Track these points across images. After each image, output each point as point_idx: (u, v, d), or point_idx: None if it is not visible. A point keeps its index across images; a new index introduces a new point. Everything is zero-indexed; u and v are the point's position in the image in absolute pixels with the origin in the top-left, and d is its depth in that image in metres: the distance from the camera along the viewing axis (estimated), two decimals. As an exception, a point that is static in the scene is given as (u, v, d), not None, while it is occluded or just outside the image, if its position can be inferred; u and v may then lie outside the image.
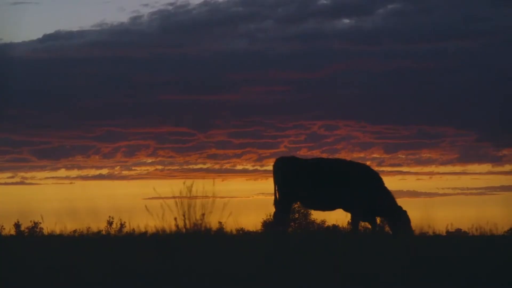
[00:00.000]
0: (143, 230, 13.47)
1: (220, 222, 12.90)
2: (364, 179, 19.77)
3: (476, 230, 14.72)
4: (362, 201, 19.53)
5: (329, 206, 19.89)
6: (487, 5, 51.65)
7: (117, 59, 52.89)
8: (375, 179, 19.97)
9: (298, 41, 52.92)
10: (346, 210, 19.74)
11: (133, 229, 14.28)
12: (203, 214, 12.24)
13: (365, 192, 19.64)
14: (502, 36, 51.35)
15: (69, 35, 53.17)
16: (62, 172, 51.88)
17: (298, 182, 19.68)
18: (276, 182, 19.85)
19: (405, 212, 19.78)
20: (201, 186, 12.52)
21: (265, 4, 55.17)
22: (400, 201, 20.44)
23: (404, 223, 19.55)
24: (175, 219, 12.23)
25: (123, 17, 79.41)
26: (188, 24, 53.61)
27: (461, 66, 51.61)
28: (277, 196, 19.78)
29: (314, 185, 19.62)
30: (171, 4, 59.99)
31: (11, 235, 18.27)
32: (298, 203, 20.13)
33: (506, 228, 16.50)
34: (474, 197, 50.16)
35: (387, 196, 19.90)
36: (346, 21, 54.04)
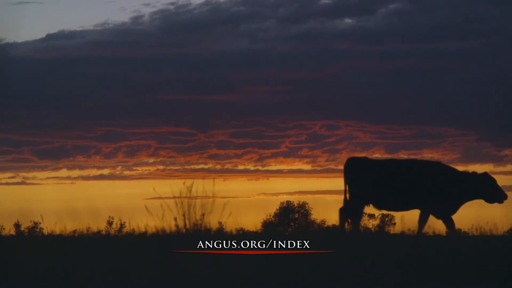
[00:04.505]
0: (143, 230, 13.47)
1: (220, 222, 12.90)
2: (439, 177, 19.64)
3: (476, 230, 14.74)
4: (438, 200, 19.41)
5: (404, 207, 19.73)
6: (487, 5, 51.66)
7: (119, 59, 52.93)
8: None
9: (299, 41, 52.95)
10: (420, 209, 19.61)
11: (133, 229, 14.28)
12: (203, 214, 12.24)
13: (441, 190, 19.51)
14: (503, 36, 51.38)
15: (72, 34, 53.22)
16: (63, 172, 51.90)
17: (372, 183, 19.49)
18: (348, 183, 19.61)
19: None
20: (201, 186, 12.52)
21: (267, 3, 55.20)
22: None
23: None
24: (175, 219, 12.23)
25: (125, 17, 79.33)
26: (189, 23, 53.64)
27: (461, 66, 51.65)
28: (348, 197, 19.55)
29: (389, 185, 19.45)
30: (172, 3, 59.93)
31: (11, 235, 18.27)
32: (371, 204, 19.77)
33: (506, 228, 16.50)
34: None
35: None
36: (347, 21, 54.02)
